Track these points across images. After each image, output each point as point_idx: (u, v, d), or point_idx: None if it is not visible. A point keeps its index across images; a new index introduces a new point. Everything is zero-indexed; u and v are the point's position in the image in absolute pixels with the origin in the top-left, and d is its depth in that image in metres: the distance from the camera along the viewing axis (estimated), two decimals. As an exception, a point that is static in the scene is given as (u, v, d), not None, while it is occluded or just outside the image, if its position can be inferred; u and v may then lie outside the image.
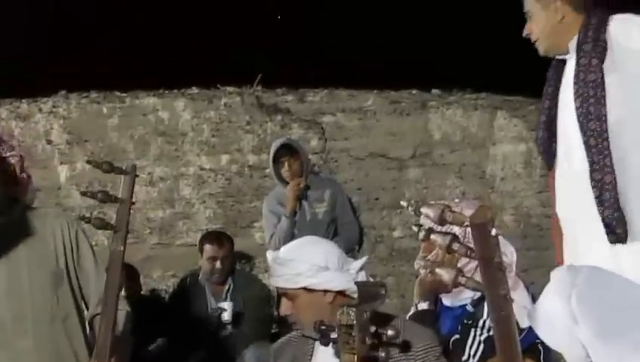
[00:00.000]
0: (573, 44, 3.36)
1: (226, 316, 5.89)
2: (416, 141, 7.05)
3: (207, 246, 6.01)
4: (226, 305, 5.90)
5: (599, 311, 3.03)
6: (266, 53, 9.13)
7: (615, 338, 3.00)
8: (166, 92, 7.17)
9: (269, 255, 3.20)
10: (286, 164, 6.10)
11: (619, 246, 3.23)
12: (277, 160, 6.13)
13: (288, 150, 6.12)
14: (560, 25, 3.40)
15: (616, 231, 3.18)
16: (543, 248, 6.79)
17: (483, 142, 7.06)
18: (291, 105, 7.11)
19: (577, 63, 3.31)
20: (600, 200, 3.18)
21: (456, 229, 2.68)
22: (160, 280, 6.88)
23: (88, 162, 3.01)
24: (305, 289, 3.08)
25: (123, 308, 3.51)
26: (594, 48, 3.28)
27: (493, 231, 1.98)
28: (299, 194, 6.09)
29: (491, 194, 6.99)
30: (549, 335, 3.24)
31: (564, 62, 3.42)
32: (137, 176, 2.96)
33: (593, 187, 3.19)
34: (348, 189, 6.74)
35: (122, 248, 2.88)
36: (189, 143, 6.99)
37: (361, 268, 3.14)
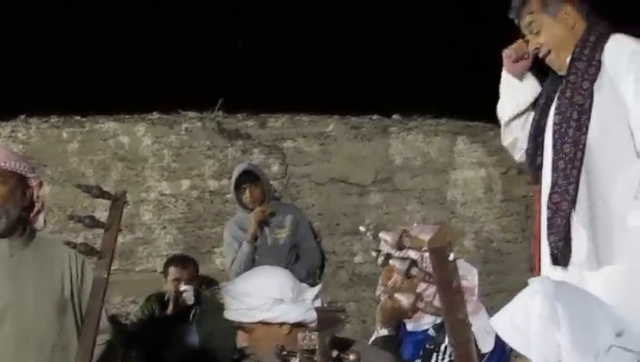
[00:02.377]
0: (568, 59, 3.21)
1: (188, 296, 5.94)
2: (377, 166, 7.06)
3: (172, 269, 6.11)
4: (187, 287, 5.95)
5: (577, 321, 3.04)
6: (227, 79, 9.13)
7: (587, 348, 3.01)
8: (126, 117, 7.12)
9: (223, 288, 3.16)
10: (247, 190, 6.10)
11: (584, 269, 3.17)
12: (238, 186, 6.14)
13: (250, 176, 6.12)
14: (572, 33, 3.23)
15: (557, 257, 3.12)
16: (504, 273, 6.82)
17: (443, 167, 7.08)
18: (252, 131, 7.10)
19: (566, 79, 3.17)
20: (550, 224, 3.12)
21: (412, 254, 2.69)
22: (120, 306, 6.82)
23: (78, 186, 2.94)
24: (261, 323, 3.06)
25: (108, 338, 3.55)
26: (587, 69, 3.14)
27: (452, 256, 1.98)
28: (262, 220, 6.09)
29: (452, 219, 7.00)
30: (515, 337, 3.21)
31: (561, 76, 3.27)
32: (126, 202, 2.92)
33: (548, 208, 3.12)
34: (309, 215, 6.73)
35: (106, 275, 2.83)
36: (149, 168, 6.95)
37: (316, 297, 3.12)
